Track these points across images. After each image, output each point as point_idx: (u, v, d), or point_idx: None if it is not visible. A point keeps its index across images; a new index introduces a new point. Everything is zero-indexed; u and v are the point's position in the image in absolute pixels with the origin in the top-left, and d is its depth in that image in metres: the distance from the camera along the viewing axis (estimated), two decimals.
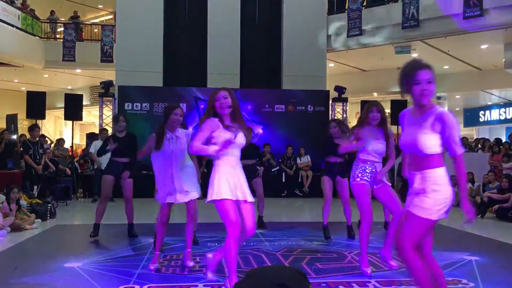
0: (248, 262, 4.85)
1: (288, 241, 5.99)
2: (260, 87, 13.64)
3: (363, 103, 14.02)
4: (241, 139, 3.53)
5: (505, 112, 21.90)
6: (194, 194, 4.69)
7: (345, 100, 13.84)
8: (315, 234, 6.38)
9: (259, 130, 12.98)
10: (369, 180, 4.37)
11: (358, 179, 4.36)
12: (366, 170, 4.38)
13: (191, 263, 4.61)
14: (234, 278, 3.44)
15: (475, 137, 18.17)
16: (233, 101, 3.54)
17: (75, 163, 12.04)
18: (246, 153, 6.59)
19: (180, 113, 4.67)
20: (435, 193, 2.75)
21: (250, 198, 3.53)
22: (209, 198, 3.45)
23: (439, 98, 17.51)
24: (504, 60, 14.67)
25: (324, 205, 6.10)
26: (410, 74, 2.83)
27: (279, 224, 7.52)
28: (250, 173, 6.52)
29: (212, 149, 3.44)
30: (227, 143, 3.40)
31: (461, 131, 22.70)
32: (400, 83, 2.91)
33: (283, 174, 12.15)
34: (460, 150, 2.76)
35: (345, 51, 15.24)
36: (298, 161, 12.25)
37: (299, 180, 12.05)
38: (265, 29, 14.44)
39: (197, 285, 3.98)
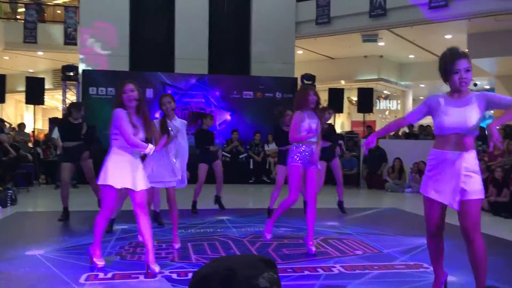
0: (215, 249, 4.84)
1: (256, 228, 6.01)
2: (229, 73, 13.56)
3: (331, 91, 14.16)
4: (141, 135, 3.83)
5: None
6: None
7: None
8: (282, 220, 6.42)
9: (227, 117, 12.93)
10: (304, 161, 4.64)
11: (295, 162, 4.62)
12: (304, 152, 4.61)
13: (177, 245, 4.83)
14: (98, 247, 4.04)
15: None
16: (139, 94, 3.82)
17: (37, 148, 11.70)
18: (206, 139, 6.61)
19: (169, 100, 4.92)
20: (479, 173, 2.98)
21: (140, 187, 3.82)
22: (99, 181, 3.82)
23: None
24: (467, 50, 15.04)
25: (274, 190, 6.57)
26: (450, 63, 3.06)
27: (246, 211, 7.54)
28: (211, 157, 6.74)
29: (149, 148, 3.82)
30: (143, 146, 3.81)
31: (425, 119, 23.24)
32: (440, 70, 3.18)
33: (251, 160, 12.17)
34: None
35: (314, 39, 15.29)
36: (266, 147, 12.28)
37: (267, 167, 12.09)
38: (234, 14, 14.31)
39: (163, 272, 3.94)
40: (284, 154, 6.04)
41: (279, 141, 6.58)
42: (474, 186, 2.94)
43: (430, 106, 3.20)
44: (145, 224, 3.85)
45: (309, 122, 4.61)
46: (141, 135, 3.81)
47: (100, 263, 4.03)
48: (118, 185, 3.78)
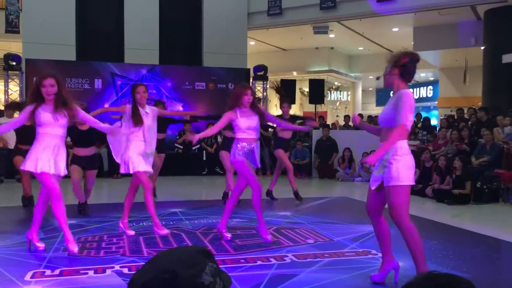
0: (167, 241, 4.79)
1: (208, 219, 6.00)
2: (180, 63, 13.37)
3: (283, 82, 14.27)
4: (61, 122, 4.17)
5: (412, 92, 23.34)
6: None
7: (265, 79, 13.97)
8: (235, 211, 6.43)
9: (180, 108, 12.77)
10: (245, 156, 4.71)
11: (239, 157, 4.68)
12: (245, 148, 4.68)
13: (164, 231, 4.99)
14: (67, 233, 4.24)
15: None
16: (59, 88, 4.13)
17: None
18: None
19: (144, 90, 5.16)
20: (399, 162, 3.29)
21: (62, 172, 4.18)
22: (27, 168, 4.10)
23: (377, 78, 18.45)
24: (412, 43, 15.55)
25: (228, 175, 6.95)
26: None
27: (199, 203, 7.50)
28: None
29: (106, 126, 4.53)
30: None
31: (374, 110, 23.90)
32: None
33: (204, 152, 12.09)
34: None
35: (266, 30, 15.33)
36: (219, 139, 12.22)
37: (220, 158, 12.02)
38: (185, 3, 14.10)
39: (113, 267, 3.86)
40: (229, 141, 6.16)
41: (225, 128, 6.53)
42: (390, 174, 3.28)
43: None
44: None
45: (246, 121, 4.68)
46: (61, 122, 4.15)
47: (40, 245, 4.32)
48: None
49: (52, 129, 4.09)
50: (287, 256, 4.24)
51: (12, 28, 14.22)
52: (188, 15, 14.11)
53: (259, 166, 4.86)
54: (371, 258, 4.20)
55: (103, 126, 4.48)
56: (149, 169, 4.96)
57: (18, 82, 12.26)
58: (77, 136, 6.11)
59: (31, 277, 3.59)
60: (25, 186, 6.63)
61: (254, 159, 4.69)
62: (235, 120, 4.67)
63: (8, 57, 12.05)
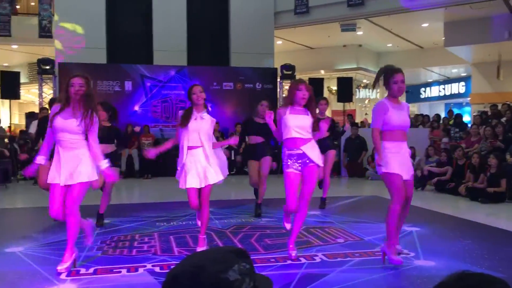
0: (197, 241, 4.83)
1: (238, 219, 6.03)
2: (208, 64, 13.48)
3: (311, 81, 14.19)
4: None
5: (444, 89, 22.87)
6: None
7: (293, 78, 13.92)
8: (264, 211, 6.45)
9: (208, 108, 12.86)
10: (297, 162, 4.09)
11: (288, 167, 4.09)
12: (293, 153, 4.07)
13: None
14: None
15: (416, 113, 18.88)
16: (88, 88, 3.76)
17: (14, 144, 11.49)
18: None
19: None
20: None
21: (71, 181, 3.69)
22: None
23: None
24: (443, 38, 15.23)
25: (261, 186, 6.08)
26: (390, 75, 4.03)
27: (228, 202, 7.54)
28: None
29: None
30: None
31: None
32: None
33: (232, 152, 12.15)
34: None
35: (293, 28, 15.28)
36: (247, 139, 12.26)
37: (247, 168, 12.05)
38: (213, 5, 14.20)
39: (145, 266, 3.93)
40: (259, 147, 5.97)
41: (249, 133, 6.14)
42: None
43: (383, 109, 3.96)
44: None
45: (296, 118, 4.08)
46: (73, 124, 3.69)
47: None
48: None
49: (66, 135, 3.70)
50: (317, 256, 4.22)
51: (45, 33, 14.63)
52: (215, 16, 14.20)
53: (321, 165, 4.16)
54: (402, 258, 4.13)
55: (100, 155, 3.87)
56: (197, 184, 4.26)
57: (51, 86, 12.60)
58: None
59: (67, 275, 3.69)
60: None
61: (310, 160, 4.04)
62: (283, 116, 4.09)
63: (42, 61, 12.40)
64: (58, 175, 3.69)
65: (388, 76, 4.04)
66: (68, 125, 3.67)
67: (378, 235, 4.97)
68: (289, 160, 4.08)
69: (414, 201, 7.63)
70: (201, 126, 4.26)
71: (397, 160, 3.86)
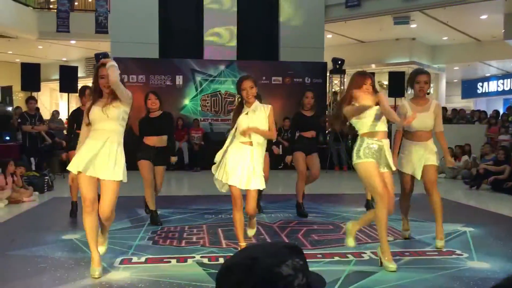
0: (245, 234, 4.88)
1: (285, 213, 6.04)
2: (257, 58, 13.51)
3: None
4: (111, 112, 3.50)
5: (503, 84, 21.83)
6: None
7: (343, 72, 13.73)
8: (312, 206, 6.42)
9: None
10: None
11: (364, 157, 3.74)
12: (372, 147, 3.74)
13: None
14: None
15: (472, 109, 18.16)
16: (112, 78, 3.42)
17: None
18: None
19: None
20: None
21: (102, 175, 3.43)
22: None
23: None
24: (503, 31, 14.52)
25: (298, 181, 5.85)
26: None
27: (276, 197, 7.56)
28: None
29: None
30: None
31: (459, 103, 22.67)
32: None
33: (280, 146, 12.15)
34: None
35: (344, 22, 15.04)
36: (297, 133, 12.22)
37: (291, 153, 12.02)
38: None
39: (194, 257, 4.01)
40: (307, 141, 5.79)
41: (299, 127, 5.93)
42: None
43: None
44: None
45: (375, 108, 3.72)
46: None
47: None
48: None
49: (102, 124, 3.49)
50: (365, 253, 4.16)
51: (101, 28, 15.16)
52: (265, 10, 14.20)
53: (395, 168, 3.86)
54: (455, 259, 4.01)
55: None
56: (239, 184, 3.89)
57: None
58: (147, 124, 5.31)
59: (120, 263, 3.83)
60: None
61: (386, 161, 3.73)
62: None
63: (98, 56, 12.85)
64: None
65: (412, 77, 4.39)
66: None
67: (428, 234, 4.83)
68: None
69: (469, 200, 7.39)
70: (251, 121, 3.88)
71: (408, 159, 4.33)
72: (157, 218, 5.31)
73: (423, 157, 4.31)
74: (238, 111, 4.02)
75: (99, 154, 3.42)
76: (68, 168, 3.53)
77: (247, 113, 3.93)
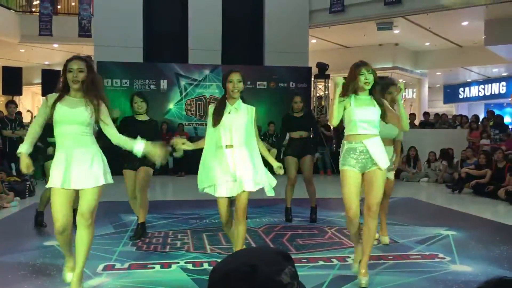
0: (230, 239, 4.86)
1: (270, 218, 6.04)
2: (242, 63, 13.51)
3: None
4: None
5: (484, 89, 22.22)
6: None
7: (327, 77, 13.82)
8: (297, 210, 6.43)
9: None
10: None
11: (343, 164, 3.57)
12: (356, 150, 3.51)
13: None
14: None
15: (454, 113, 18.41)
16: (89, 74, 3.10)
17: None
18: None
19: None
20: None
21: (80, 185, 3.05)
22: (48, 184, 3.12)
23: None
24: (484, 37, 14.78)
25: (288, 186, 5.82)
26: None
27: (260, 201, 7.54)
28: None
29: None
30: None
31: (441, 107, 22.97)
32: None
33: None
34: None
35: (328, 27, 15.15)
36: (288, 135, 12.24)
37: (281, 157, 12.04)
38: (247, 4, 14.24)
39: (178, 262, 3.98)
40: (297, 144, 5.76)
41: (289, 129, 5.87)
42: None
43: None
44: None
45: (362, 111, 3.44)
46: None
47: None
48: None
49: (68, 127, 3.07)
50: (350, 257, 4.17)
51: (84, 32, 15.03)
52: (250, 15, 14.24)
53: (384, 166, 3.45)
54: (438, 262, 4.05)
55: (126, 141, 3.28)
56: (228, 192, 3.58)
57: None
58: (133, 128, 4.67)
59: (103, 270, 3.78)
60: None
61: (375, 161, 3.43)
62: (347, 108, 3.48)
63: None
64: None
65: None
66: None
67: (413, 238, 4.88)
68: None
69: (451, 204, 7.48)
70: (234, 121, 3.56)
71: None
72: (141, 232, 4.90)
73: None
74: (220, 109, 3.59)
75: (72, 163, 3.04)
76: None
77: (229, 112, 3.57)
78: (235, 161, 3.50)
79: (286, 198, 5.91)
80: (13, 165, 8.95)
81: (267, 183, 3.63)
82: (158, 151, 3.22)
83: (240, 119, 3.57)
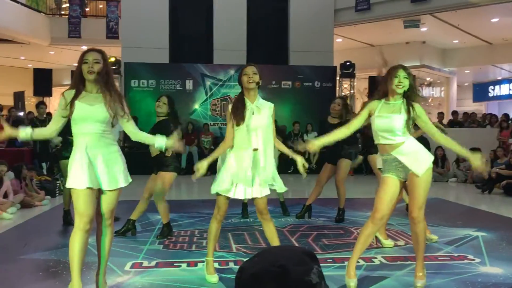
0: (255, 239, 4.89)
1: (295, 218, 6.02)
2: (267, 63, 13.52)
3: (371, 79, 13.90)
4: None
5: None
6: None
7: (352, 76, 13.71)
8: (322, 210, 6.41)
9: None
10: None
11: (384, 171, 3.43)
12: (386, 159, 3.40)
13: None
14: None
15: (483, 112, 18.01)
16: (104, 66, 2.96)
17: None
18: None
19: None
20: None
21: (105, 186, 3.00)
22: (67, 184, 2.98)
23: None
24: None
25: (315, 187, 5.91)
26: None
27: (286, 201, 7.54)
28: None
29: None
30: None
31: (470, 106, 22.49)
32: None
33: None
34: None
35: (353, 26, 15.03)
36: (305, 137, 12.21)
37: (306, 157, 12.01)
38: (272, 3, 14.24)
39: (204, 261, 4.01)
40: (335, 150, 5.56)
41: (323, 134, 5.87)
42: None
43: None
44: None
45: (380, 120, 3.31)
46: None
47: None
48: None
49: (88, 126, 2.95)
50: (376, 258, 4.13)
51: (112, 34, 15.31)
52: (274, 14, 14.24)
53: (421, 172, 3.24)
54: (467, 264, 3.97)
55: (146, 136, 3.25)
56: (245, 195, 3.51)
57: (118, 85, 13.14)
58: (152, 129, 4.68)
59: (131, 267, 3.85)
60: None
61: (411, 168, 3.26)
62: (372, 115, 3.35)
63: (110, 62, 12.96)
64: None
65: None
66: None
67: (441, 239, 4.79)
68: None
69: (481, 205, 7.32)
70: (260, 121, 3.42)
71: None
72: (167, 231, 4.94)
73: None
74: (240, 108, 3.40)
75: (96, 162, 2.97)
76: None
77: (253, 113, 3.41)
78: (257, 164, 3.40)
79: (309, 196, 5.96)
80: (44, 164, 9.17)
81: (278, 186, 3.55)
82: (175, 144, 3.18)
83: (264, 119, 3.43)
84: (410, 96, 3.35)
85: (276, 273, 0.92)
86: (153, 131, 4.27)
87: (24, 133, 3.00)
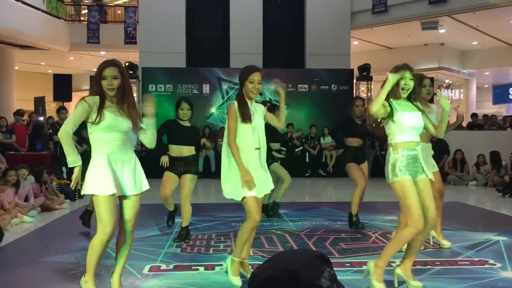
0: (272, 242, 4.89)
1: (312, 221, 6.00)
2: (283, 66, 13.54)
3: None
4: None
5: None
6: None
7: (370, 79, 13.62)
8: (339, 214, 6.38)
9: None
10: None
11: (400, 173, 3.25)
12: (408, 157, 3.27)
13: None
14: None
15: (504, 115, 17.72)
16: (122, 81, 2.99)
17: None
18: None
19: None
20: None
21: (130, 191, 3.07)
22: (86, 191, 3.01)
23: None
24: None
25: (356, 191, 5.55)
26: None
27: (303, 204, 7.53)
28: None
29: None
30: None
31: (490, 108, 22.15)
32: None
33: (307, 154, 12.12)
34: None
35: (370, 28, 14.95)
36: (322, 141, 12.19)
37: (323, 160, 12.00)
38: (288, 7, 14.26)
39: (221, 265, 4.03)
40: (355, 150, 5.53)
41: (349, 135, 5.59)
42: None
43: None
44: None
45: (410, 117, 3.26)
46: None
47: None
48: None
49: (113, 134, 3.02)
50: (395, 262, 4.09)
51: (130, 39, 15.50)
52: (291, 17, 14.25)
53: (432, 177, 3.35)
54: (488, 268, 3.91)
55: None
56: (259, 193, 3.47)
57: (136, 89, 13.29)
58: (177, 132, 4.90)
59: (149, 270, 3.88)
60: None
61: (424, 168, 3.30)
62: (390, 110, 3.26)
63: (127, 66, 13.11)
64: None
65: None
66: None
67: (461, 243, 4.73)
68: None
69: (501, 209, 7.20)
70: (258, 123, 3.54)
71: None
72: (185, 235, 4.96)
73: None
74: (246, 108, 3.48)
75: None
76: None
77: (253, 114, 3.52)
78: (262, 162, 3.50)
79: (352, 203, 5.60)
80: (63, 168, 9.30)
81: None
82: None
83: (261, 119, 3.56)
84: (412, 97, 3.34)
85: (287, 278, 0.93)
86: (186, 135, 4.84)
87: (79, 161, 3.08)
